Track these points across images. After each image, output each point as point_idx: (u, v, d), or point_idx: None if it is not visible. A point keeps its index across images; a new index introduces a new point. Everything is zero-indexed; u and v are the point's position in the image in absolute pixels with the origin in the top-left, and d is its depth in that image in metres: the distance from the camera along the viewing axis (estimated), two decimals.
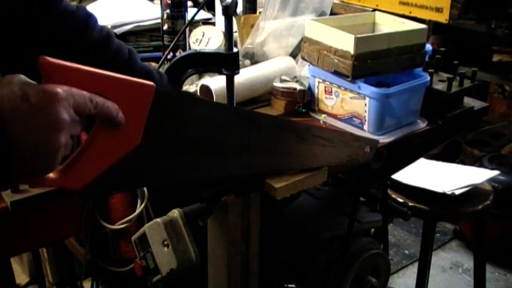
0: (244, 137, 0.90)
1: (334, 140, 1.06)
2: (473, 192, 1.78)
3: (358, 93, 1.22)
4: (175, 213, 0.98)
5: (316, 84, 1.31)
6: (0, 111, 0.59)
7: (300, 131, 1.00)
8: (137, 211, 1.26)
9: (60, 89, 0.62)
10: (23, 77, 0.63)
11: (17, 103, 0.60)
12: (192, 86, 1.33)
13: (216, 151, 0.87)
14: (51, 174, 0.69)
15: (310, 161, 1.03)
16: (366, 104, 1.21)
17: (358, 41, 1.17)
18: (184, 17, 1.43)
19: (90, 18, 0.92)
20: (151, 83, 0.73)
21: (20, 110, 0.60)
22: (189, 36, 1.52)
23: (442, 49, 3.17)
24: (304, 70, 1.39)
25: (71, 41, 0.88)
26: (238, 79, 1.19)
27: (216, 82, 1.27)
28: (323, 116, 1.30)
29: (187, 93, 1.22)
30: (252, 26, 1.53)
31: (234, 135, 0.89)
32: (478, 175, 1.87)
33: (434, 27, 3.06)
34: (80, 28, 0.90)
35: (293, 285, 1.63)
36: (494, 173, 1.94)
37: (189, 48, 1.50)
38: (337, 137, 1.08)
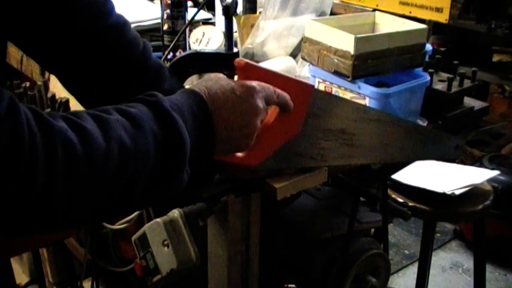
0: (365, 130, 1.04)
1: (432, 138, 1.16)
2: (473, 192, 1.77)
3: (358, 93, 1.22)
4: (175, 213, 0.98)
5: (316, 84, 1.31)
6: (217, 101, 0.74)
7: (407, 127, 1.11)
8: (137, 211, 1.26)
9: (256, 84, 0.78)
10: (222, 75, 0.80)
11: (228, 95, 0.75)
12: (192, 86, 1.32)
13: (349, 142, 1.02)
14: (238, 153, 0.83)
15: (414, 156, 1.15)
16: (366, 104, 1.21)
17: (358, 41, 1.17)
18: (184, 17, 1.43)
19: (108, 2, 0.90)
20: (310, 83, 0.91)
21: (230, 100, 0.75)
22: (189, 36, 1.52)
23: (442, 49, 3.18)
24: (304, 70, 1.39)
25: (89, 24, 0.86)
26: None
27: None
28: None
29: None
30: (252, 26, 1.53)
31: (359, 129, 1.02)
32: (478, 175, 1.87)
33: (434, 27, 3.06)
34: (98, 12, 0.87)
35: (293, 285, 1.63)
36: (494, 173, 1.94)
37: (189, 48, 1.50)
38: (434, 134, 1.17)
